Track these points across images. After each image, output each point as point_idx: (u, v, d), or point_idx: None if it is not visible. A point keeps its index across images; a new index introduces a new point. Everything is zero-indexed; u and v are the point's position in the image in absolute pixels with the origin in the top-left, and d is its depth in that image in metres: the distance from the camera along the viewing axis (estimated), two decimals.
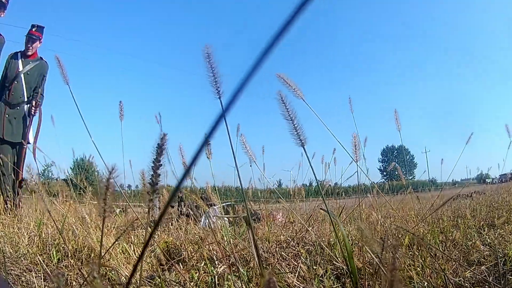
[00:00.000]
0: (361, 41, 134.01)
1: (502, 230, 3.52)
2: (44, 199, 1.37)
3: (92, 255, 2.78)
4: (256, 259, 1.29)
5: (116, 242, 2.58)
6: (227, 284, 2.17)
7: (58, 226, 2.60)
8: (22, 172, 5.38)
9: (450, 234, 3.12)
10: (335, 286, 2.23)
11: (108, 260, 2.46)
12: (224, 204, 5.55)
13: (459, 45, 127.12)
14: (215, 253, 2.66)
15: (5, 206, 4.47)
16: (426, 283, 2.04)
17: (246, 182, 5.52)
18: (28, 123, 5.67)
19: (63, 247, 2.85)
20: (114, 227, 3.34)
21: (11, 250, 2.75)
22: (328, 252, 2.68)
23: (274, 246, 2.94)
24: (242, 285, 2.16)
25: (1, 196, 4.72)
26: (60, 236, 2.85)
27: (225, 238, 3.02)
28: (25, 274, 2.36)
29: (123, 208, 5.52)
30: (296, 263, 2.51)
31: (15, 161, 5.48)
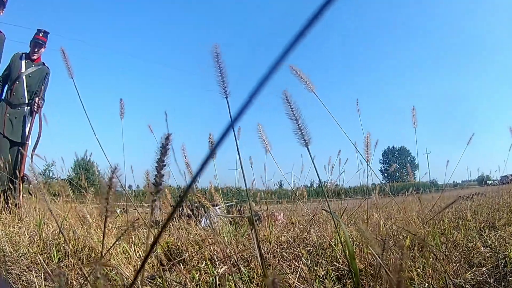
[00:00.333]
0: (361, 41, 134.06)
1: (503, 232, 3.52)
2: (45, 198, 1.37)
3: (93, 255, 2.78)
4: (259, 259, 1.28)
5: (117, 243, 2.58)
6: (228, 284, 2.17)
7: (59, 225, 2.60)
8: (23, 169, 5.39)
9: (451, 236, 3.12)
10: (336, 287, 2.23)
11: (109, 260, 2.46)
12: (226, 204, 5.56)
13: (460, 46, 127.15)
14: (216, 253, 2.66)
15: (6, 205, 4.47)
16: (427, 284, 2.04)
17: (248, 182, 5.52)
18: (29, 124, 5.68)
19: (63, 246, 2.85)
20: (115, 227, 3.34)
21: (12, 250, 2.75)
22: (329, 253, 2.68)
23: (275, 246, 2.94)
24: (243, 286, 2.15)
25: (2, 195, 4.72)
26: (60, 235, 2.85)
27: (226, 238, 3.02)
28: (25, 273, 2.36)
29: (123, 208, 5.53)
30: (297, 264, 2.51)
31: (16, 159, 5.49)
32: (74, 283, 2.30)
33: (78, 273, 2.43)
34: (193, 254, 2.81)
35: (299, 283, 2.15)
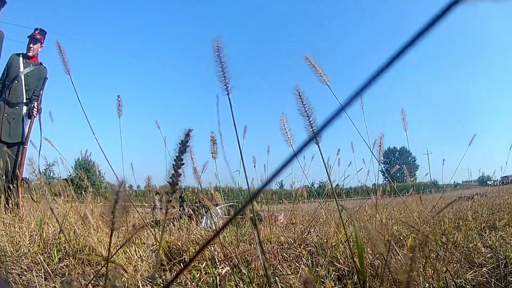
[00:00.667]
0: (362, 41, 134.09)
1: (504, 232, 3.52)
2: (47, 197, 1.37)
3: (93, 254, 2.78)
4: (261, 260, 1.28)
5: (118, 241, 2.58)
6: (229, 285, 2.17)
7: (60, 224, 2.60)
8: (22, 172, 5.38)
9: (452, 236, 3.12)
10: (336, 287, 2.23)
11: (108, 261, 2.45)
12: (227, 204, 5.55)
13: (461, 46, 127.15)
14: (216, 253, 2.66)
15: (6, 205, 4.47)
16: (427, 284, 2.03)
17: (249, 183, 5.49)
18: (28, 124, 5.67)
19: (64, 246, 2.85)
20: (115, 232, 3.34)
21: (12, 249, 2.75)
22: (329, 253, 2.68)
23: (275, 247, 2.93)
24: (244, 286, 2.15)
25: (2, 195, 4.72)
26: (61, 235, 2.85)
27: (227, 238, 3.02)
28: (26, 273, 2.36)
29: (125, 210, 5.51)
30: (297, 264, 2.51)
31: (16, 159, 5.48)
32: (75, 283, 2.30)
33: (79, 273, 2.44)
34: (194, 254, 2.80)
35: (299, 283, 2.15)
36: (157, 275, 2.32)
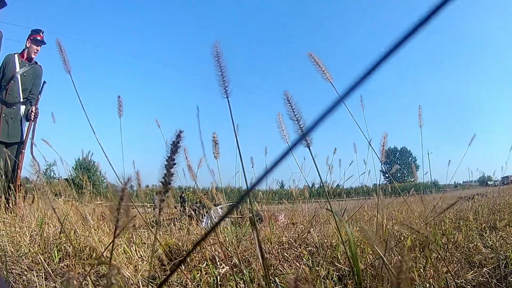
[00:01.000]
0: (362, 41, 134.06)
1: (504, 233, 3.52)
2: (48, 197, 1.37)
3: (94, 254, 2.78)
4: (261, 260, 1.28)
5: (117, 242, 2.58)
6: (229, 285, 2.17)
7: (61, 224, 2.60)
8: (20, 176, 5.39)
9: (452, 236, 3.12)
10: (337, 287, 2.23)
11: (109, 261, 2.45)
12: (227, 204, 5.56)
13: (462, 46, 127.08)
14: (217, 253, 2.66)
15: (7, 205, 4.47)
16: (428, 284, 2.03)
17: (248, 183, 5.49)
18: (25, 124, 5.68)
19: (64, 246, 2.85)
20: (120, 229, 3.34)
21: (12, 249, 2.75)
22: (330, 253, 2.68)
23: (276, 247, 2.93)
24: (244, 286, 2.15)
25: (3, 195, 4.72)
26: (61, 235, 2.85)
27: (227, 239, 3.02)
28: (26, 273, 2.36)
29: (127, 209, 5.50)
30: (298, 264, 2.51)
31: (16, 159, 5.48)
32: (75, 283, 2.30)
33: (79, 273, 2.43)
34: (194, 254, 2.80)
35: (300, 283, 2.15)
36: (157, 275, 2.32)
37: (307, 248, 2.91)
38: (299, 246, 2.99)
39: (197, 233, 3.34)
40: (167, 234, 3.61)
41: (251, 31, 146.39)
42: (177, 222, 4.11)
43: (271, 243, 3.04)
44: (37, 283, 2.17)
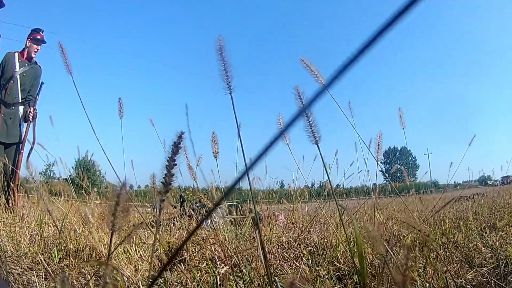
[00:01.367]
0: (362, 41, 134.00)
1: (504, 232, 3.52)
2: (44, 199, 1.37)
3: (94, 254, 2.78)
4: (263, 260, 1.28)
5: (120, 245, 2.58)
6: (229, 284, 2.17)
7: (58, 225, 2.60)
8: (19, 177, 5.39)
9: (452, 236, 3.12)
10: (337, 287, 2.23)
11: (110, 260, 2.46)
12: (228, 204, 5.56)
13: (462, 46, 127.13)
14: (217, 253, 2.66)
15: (7, 205, 4.48)
16: (428, 284, 2.04)
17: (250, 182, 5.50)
18: (24, 125, 5.68)
19: (64, 246, 2.85)
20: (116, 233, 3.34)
21: (12, 249, 2.75)
22: (330, 253, 2.68)
23: (276, 247, 2.94)
24: (244, 286, 2.15)
25: (3, 195, 4.73)
26: (61, 235, 2.85)
27: (227, 238, 3.02)
28: (26, 273, 2.36)
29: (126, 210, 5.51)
30: (298, 264, 2.51)
31: (15, 159, 5.49)
32: (75, 283, 2.30)
33: (79, 272, 2.44)
34: (194, 254, 2.81)
35: (300, 283, 2.15)
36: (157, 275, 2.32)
37: (307, 248, 2.92)
38: (298, 246, 3.00)
39: (197, 233, 3.34)
40: (167, 234, 3.61)
41: (251, 31, 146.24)
42: (177, 221, 4.11)
43: (270, 243, 3.04)
44: (37, 283, 2.17)
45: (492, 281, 2.19)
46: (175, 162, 0.89)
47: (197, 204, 4.99)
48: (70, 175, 5.58)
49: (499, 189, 9.95)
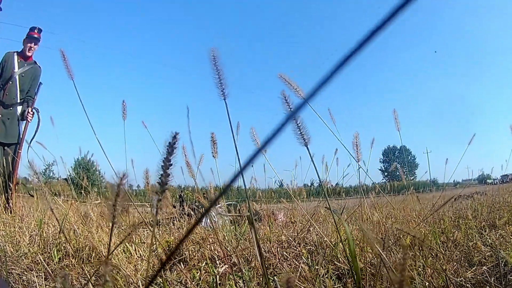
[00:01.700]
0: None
1: (503, 231, 3.52)
2: (47, 197, 1.37)
3: (93, 254, 2.79)
4: (259, 258, 1.29)
5: (119, 243, 2.58)
6: (229, 284, 2.17)
7: (59, 224, 2.61)
8: (16, 176, 5.39)
9: (451, 235, 3.12)
10: (336, 286, 2.24)
11: (110, 260, 2.46)
12: (226, 203, 5.57)
13: (463, 46, 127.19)
14: (216, 253, 2.66)
15: (7, 205, 4.48)
16: (427, 283, 2.04)
17: (247, 182, 5.53)
18: (22, 127, 5.68)
19: (64, 246, 2.85)
20: (116, 227, 3.35)
21: (12, 250, 2.75)
22: (329, 252, 2.68)
23: (275, 246, 2.94)
24: (243, 285, 2.16)
25: (2, 195, 4.73)
26: (61, 235, 2.85)
27: (226, 238, 3.03)
28: (26, 273, 2.36)
29: (124, 208, 5.51)
30: (297, 263, 2.51)
31: (13, 160, 5.48)
32: (75, 283, 2.30)
33: (79, 272, 2.44)
34: (194, 253, 2.81)
35: (299, 282, 2.16)
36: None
37: (306, 247, 2.92)
38: (298, 245, 3.00)
39: (196, 232, 3.35)
40: (167, 234, 3.62)
41: (251, 31, 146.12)
42: (176, 221, 4.12)
43: (270, 242, 3.04)
44: (37, 283, 2.17)
45: (492, 280, 2.19)
46: (171, 162, 0.91)
47: (196, 204, 5.00)
48: (69, 175, 5.59)
49: (498, 187, 9.94)
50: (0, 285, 1.33)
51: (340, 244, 2.65)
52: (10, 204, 4.57)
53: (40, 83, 5.91)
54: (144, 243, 3.06)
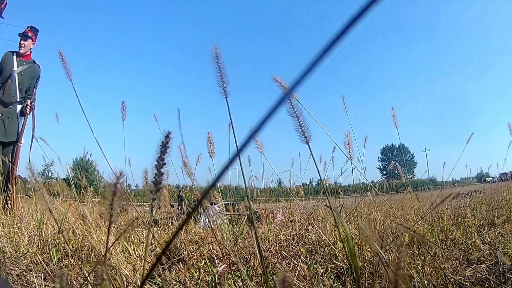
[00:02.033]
0: (366, 41, 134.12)
1: (502, 229, 3.52)
2: (45, 198, 1.37)
3: (92, 254, 2.78)
4: (259, 257, 1.29)
5: (117, 241, 2.58)
6: (228, 283, 2.17)
7: (58, 225, 2.60)
8: (16, 171, 5.39)
9: (450, 233, 3.12)
10: (335, 285, 2.24)
11: (109, 259, 2.46)
12: (225, 202, 5.57)
13: (460, 44, 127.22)
14: (215, 252, 2.66)
15: (6, 205, 4.48)
16: (426, 281, 2.04)
17: (246, 182, 5.51)
18: (21, 123, 5.68)
19: (63, 246, 2.85)
20: (114, 226, 3.34)
21: (11, 250, 2.75)
22: (328, 251, 2.68)
23: (274, 245, 2.94)
24: (242, 284, 2.16)
25: (2, 195, 4.73)
26: (60, 235, 2.85)
27: (225, 237, 3.02)
28: (25, 274, 2.36)
29: (123, 208, 5.52)
30: (296, 262, 2.51)
31: (10, 159, 5.48)
32: (74, 282, 2.30)
33: (78, 272, 2.44)
34: (192, 253, 2.81)
35: (298, 281, 2.16)
36: (156, 274, 2.32)
37: (305, 246, 2.92)
38: (296, 243, 3.00)
39: (194, 232, 3.35)
40: (165, 233, 3.62)
41: (251, 30, 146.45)
42: (175, 220, 4.12)
43: (269, 241, 3.04)
44: (36, 283, 2.17)
45: (491, 278, 2.19)
46: (164, 161, 0.92)
47: (195, 203, 5.00)
48: (68, 175, 5.58)
49: (497, 185, 9.94)
50: (1, 286, 1.33)
51: (339, 242, 2.65)
52: (9, 204, 4.57)
53: (39, 76, 5.93)
54: (143, 242, 3.06)
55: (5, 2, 5.69)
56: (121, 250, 2.72)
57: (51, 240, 2.96)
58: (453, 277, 2.14)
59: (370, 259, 2.33)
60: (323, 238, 2.81)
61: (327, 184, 5.77)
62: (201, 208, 4.46)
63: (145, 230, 3.44)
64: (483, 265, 2.44)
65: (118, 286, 2.08)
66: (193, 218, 4.19)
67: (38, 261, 2.47)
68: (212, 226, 2.98)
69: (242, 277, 2.18)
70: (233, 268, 2.29)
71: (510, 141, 4.62)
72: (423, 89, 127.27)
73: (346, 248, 1.55)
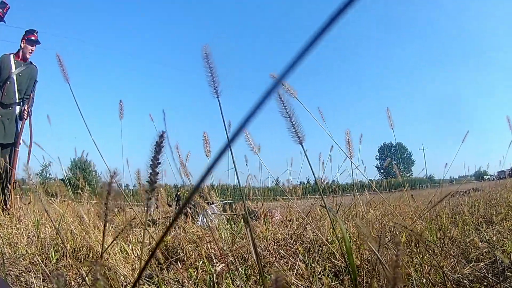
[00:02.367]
0: (361, 39, 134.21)
1: (501, 227, 3.53)
2: (42, 199, 1.37)
3: (91, 254, 2.78)
4: (255, 257, 1.29)
5: (114, 241, 2.58)
6: (226, 282, 2.17)
7: (56, 226, 2.60)
8: (14, 175, 5.38)
9: (448, 231, 3.13)
10: (333, 283, 2.24)
11: (107, 260, 2.46)
12: (222, 202, 5.57)
13: (459, 43, 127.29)
14: (213, 251, 2.66)
15: (4, 206, 4.48)
16: (424, 280, 2.04)
17: (243, 180, 5.54)
18: (20, 126, 5.69)
19: (61, 247, 2.85)
20: (112, 226, 3.34)
21: (10, 251, 2.75)
22: (326, 249, 2.68)
23: (272, 244, 2.94)
24: (240, 284, 2.16)
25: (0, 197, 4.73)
26: (58, 236, 2.85)
27: (223, 236, 3.02)
28: (24, 274, 2.36)
29: (121, 207, 5.52)
30: (294, 261, 2.51)
31: (11, 160, 5.48)
32: (73, 283, 2.30)
33: (76, 273, 2.44)
34: (190, 252, 2.81)
35: (296, 280, 2.16)
36: (154, 274, 2.32)
37: (303, 245, 2.92)
38: (294, 242, 3.00)
39: (192, 231, 3.34)
40: (163, 232, 3.61)
41: (251, 31, 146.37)
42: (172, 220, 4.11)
43: (266, 240, 3.04)
44: (35, 284, 2.17)
45: (489, 276, 2.20)
46: (159, 161, 0.93)
47: (193, 203, 5.00)
48: (66, 175, 5.57)
49: (495, 183, 9.95)
50: (0, 286, 1.33)
51: (337, 241, 2.65)
52: (8, 205, 4.57)
53: (36, 80, 5.93)
54: (141, 242, 3.06)
55: (8, 6, 5.70)
56: (119, 250, 2.72)
57: (49, 241, 2.96)
58: (451, 275, 2.14)
59: (368, 258, 2.33)
60: (321, 237, 2.81)
61: (325, 183, 5.78)
62: (198, 207, 4.45)
63: (143, 230, 3.44)
64: (481, 263, 2.44)
65: (116, 286, 2.08)
66: (190, 217, 4.19)
67: (37, 261, 2.47)
68: (210, 225, 2.99)
69: (240, 276, 2.18)
70: (231, 267, 2.29)
71: (510, 141, 4.61)
72: (419, 87, 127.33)
73: (344, 247, 1.55)
